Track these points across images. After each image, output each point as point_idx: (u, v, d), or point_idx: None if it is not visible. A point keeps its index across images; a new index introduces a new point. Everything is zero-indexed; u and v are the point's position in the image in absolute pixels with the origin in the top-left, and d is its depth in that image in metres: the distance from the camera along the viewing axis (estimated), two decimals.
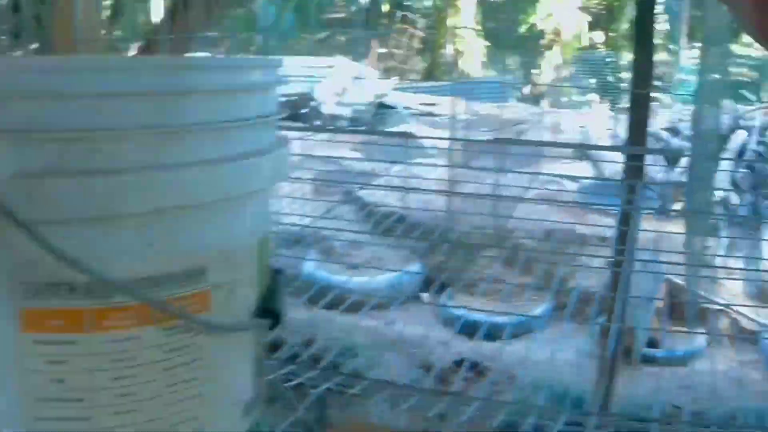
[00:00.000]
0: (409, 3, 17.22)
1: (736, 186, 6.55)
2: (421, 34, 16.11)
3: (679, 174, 6.52)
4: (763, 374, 4.16)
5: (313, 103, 8.99)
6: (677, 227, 4.71)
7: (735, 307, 4.54)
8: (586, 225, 4.10)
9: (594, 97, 13.72)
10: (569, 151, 6.78)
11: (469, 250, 3.25)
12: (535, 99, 13.94)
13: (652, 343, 4.36)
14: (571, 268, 4.14)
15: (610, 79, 14.84)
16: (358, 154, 5.04)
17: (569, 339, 4.09)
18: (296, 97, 8.47)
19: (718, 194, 5.74)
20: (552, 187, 4.34)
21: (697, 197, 4.80)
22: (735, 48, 8.52)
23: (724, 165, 6.89)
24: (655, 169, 6.31)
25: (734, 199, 6.21)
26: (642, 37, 2.34)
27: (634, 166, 2.39)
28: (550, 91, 14.43)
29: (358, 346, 4.33)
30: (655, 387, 3.82)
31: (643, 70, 2.35)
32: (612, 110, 11.09)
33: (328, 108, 9.20)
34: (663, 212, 4.86)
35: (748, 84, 11.25)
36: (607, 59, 16.05)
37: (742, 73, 11.25)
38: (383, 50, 15.05)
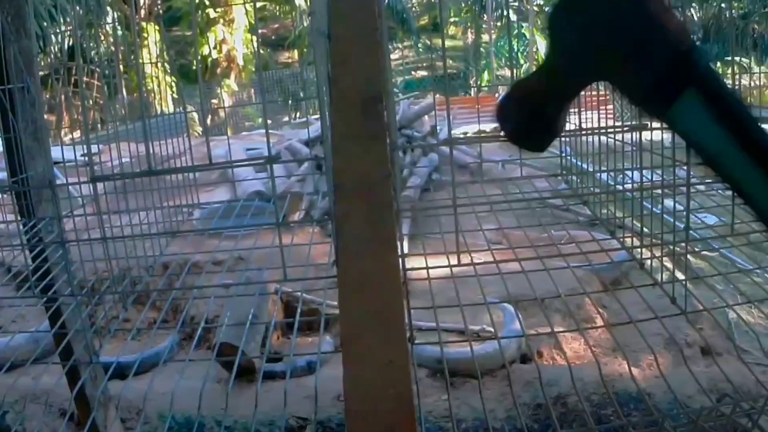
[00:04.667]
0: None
1: None
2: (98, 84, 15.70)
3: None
4: None
5: None
6: (301, 237, 4.85)
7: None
8: (201, 252, 4.11)
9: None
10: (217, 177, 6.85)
11: (92, 298, 3.18)
12: (219, 127, 13.96)
13: (276, 359, 4.47)
14: (190, 298, 4.15)
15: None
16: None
17: (196, 366, 4.11)
18: None
19: None
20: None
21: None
22: None
23: None
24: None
25: None
26: None
27: None
28: (231, 117, 14.53)
29: (3, 403, 4.21)
30: (279, 401, 3.88)
31: None
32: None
33: None
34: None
35: None
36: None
37: None
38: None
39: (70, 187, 3.28)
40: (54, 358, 3.51)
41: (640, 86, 0.85)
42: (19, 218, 2.70)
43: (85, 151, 2.39)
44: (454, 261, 2.11)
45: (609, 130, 2.50)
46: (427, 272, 1.89)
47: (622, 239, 2.55)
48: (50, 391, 4.27)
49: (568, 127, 2.25)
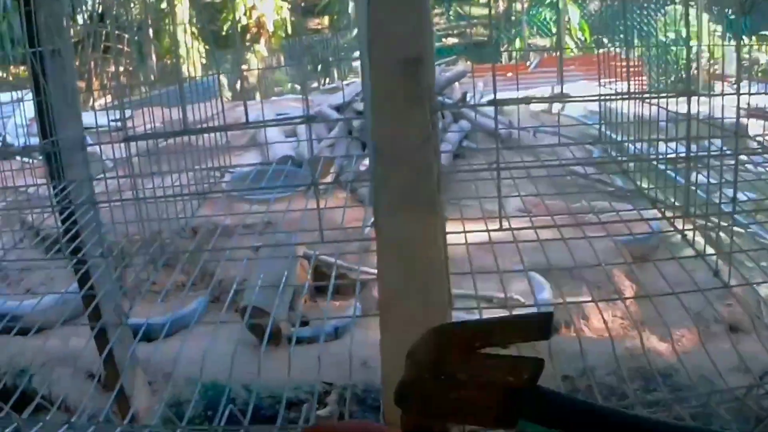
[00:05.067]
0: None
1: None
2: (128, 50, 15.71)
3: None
4: None
5: None
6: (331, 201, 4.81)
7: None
8: (231, 215, 4.09)
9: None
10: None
11: (120, 259, 3.17)
12: (249, 93, 13.92)
13: (304, 323, 4.46)
14: (220, 261, 4.13)
15: None
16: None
17: (224, 330, 4.09)
18: None
19: None
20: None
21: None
22: None
23: None
24: None
25: None
26: None
27: None
28: (261, 82, 14.47)
29: (31, 366, 4.22)
30: (305, 366, 3.86)
31: None
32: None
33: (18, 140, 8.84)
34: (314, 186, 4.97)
35: None
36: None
37: None
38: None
39: (100, 151, 3.26)
40: (83, 321, 3.52)
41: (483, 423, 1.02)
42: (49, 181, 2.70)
43: (115, 117, 2.37)
44: (490, 226, 2.07)
45: (653, 96, 2.43)
46: (465, 237, 1.85)
47: (662, 210, 2.50)
48: (78, 354, 4.27)
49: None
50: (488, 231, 2.04)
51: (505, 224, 2.02)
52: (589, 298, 4.26)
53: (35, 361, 4.29)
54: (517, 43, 19.15)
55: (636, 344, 4.01)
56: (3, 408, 1.79)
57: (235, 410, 1.60)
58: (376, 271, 1.38)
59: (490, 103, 1.75)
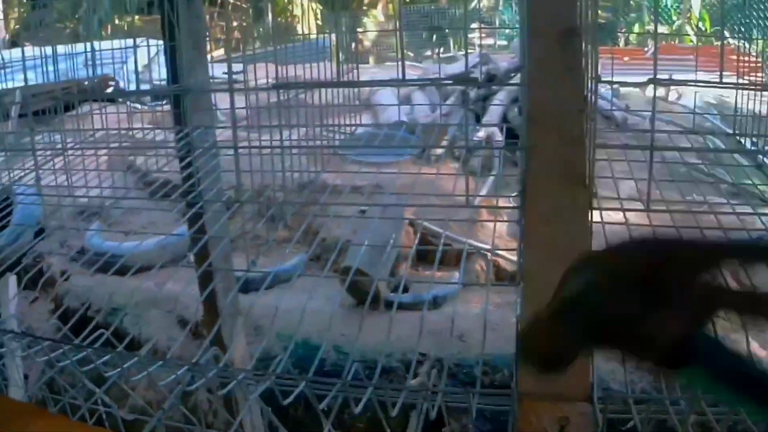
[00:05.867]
0: None
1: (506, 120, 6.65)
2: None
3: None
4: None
5: (112, 83, 8.77)
6: (440, 169, 4.74)
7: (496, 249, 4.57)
8: (339, 173, 4.06)
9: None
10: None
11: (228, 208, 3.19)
12: (362, 57, 13.91)
13: (403, 289, 4.41)
14: (324, 218, 4.11)
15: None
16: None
17: (321, 288, 4.08)
18: (97, 78, 8.29)
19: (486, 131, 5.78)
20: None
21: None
22: None
23: (495, 103, 6.99)
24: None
25: (499, 135, 6.30)
26: None
27: None
28: (375, 47, 14.47)
29: (125, 306, 4.29)
30: (401, 333, 3.81)
31: None
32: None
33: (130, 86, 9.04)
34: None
35: None
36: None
37: None
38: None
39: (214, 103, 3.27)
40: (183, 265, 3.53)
41: (645, 360, 0.91)
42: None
43: (226, 70, 2.36)
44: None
45: None
46: (601, 215, 1.76)
47: None
48: (172, 298, 4.32)
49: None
50: (636, 211, 1.95)
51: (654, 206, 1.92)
52: None
53: (129, 301, 4.35)
54: (636, 28, 18.73)
55: (739, 348, 3.87)
56: (107, 341, 1.80)
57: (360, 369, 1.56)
58: (481, 244, 1.37)
59: (649, 81, 1.67)
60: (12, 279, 4.08)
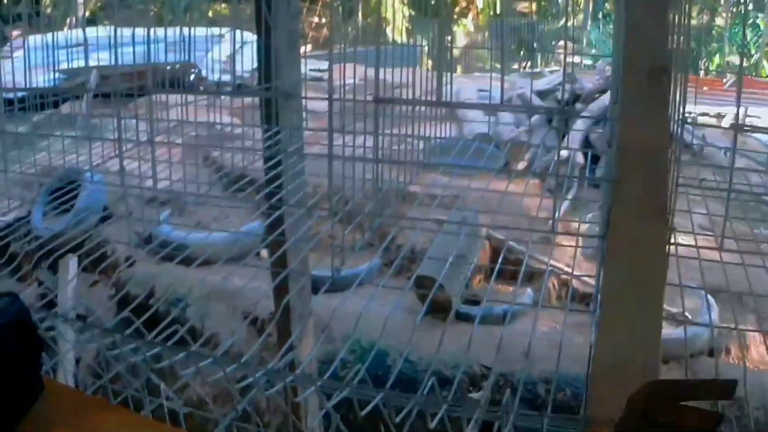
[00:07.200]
0: None
1: (588, 145, 6.61)
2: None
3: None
4: (586, 339, 4.20)
5: (194, 71, 8.88)
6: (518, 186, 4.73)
7: (569, 270, 4.56)
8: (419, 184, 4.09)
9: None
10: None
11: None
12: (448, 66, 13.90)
13: (474, 302, 4.42)
14: (401, 227, 4.13)
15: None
16: (236, 119, 5.04)
17: (390, 294, 4.11)
18: (178, 65, 8.40)
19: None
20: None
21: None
22: None
23: (578, 124, 6.93)
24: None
25: (580, 157, 6.27)
26: None
27: None
28: (463, 56, 14.47)
29: (189, 297, 4.35)
30: (463, 345, 3.82)
31: None
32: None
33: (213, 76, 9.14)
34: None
35: None
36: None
37: None
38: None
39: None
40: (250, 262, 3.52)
41: None
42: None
43: (312, 68, 2.34)
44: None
45: None
46: (676, 249, 1.76)
47: None
48: (237, 293, 4.34)
49: None
50: (711, 249, 1.96)
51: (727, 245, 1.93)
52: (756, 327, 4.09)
53: (193, 292, 4.38)
54: (716, 59, 18.44)
55: None
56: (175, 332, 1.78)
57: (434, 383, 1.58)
58: (560, 264, 1.41)
59: (732, 126, 1.70)
60: (73, 261, 4.08)
